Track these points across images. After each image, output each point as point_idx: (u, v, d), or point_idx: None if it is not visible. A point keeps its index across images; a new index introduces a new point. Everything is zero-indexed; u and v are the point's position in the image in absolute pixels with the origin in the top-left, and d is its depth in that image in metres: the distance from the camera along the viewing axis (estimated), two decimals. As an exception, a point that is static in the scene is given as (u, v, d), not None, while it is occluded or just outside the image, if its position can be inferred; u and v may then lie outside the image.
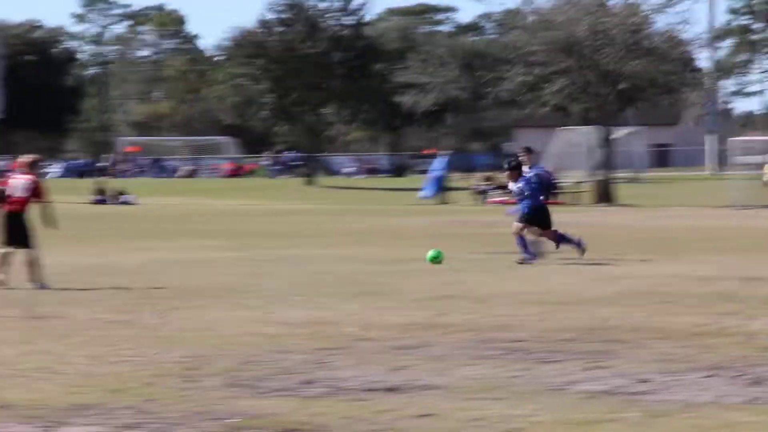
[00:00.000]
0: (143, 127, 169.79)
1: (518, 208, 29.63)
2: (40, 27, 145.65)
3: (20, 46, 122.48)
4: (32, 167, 24.51)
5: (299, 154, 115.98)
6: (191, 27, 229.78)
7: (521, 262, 28.01)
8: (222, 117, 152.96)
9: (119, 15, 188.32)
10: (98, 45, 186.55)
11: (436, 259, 27.79)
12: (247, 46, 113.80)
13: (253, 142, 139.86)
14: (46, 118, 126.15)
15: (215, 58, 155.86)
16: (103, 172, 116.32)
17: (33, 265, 23.63)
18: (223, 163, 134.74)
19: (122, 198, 70.49)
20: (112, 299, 21.43)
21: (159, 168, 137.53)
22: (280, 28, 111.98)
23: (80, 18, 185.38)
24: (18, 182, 23.87)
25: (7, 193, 23.65)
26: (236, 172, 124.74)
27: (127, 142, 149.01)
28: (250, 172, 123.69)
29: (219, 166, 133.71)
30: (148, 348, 15.84)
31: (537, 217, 28.93)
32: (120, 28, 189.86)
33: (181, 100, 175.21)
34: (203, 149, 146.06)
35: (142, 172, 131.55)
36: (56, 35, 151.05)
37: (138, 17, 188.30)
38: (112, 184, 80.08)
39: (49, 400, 12.56)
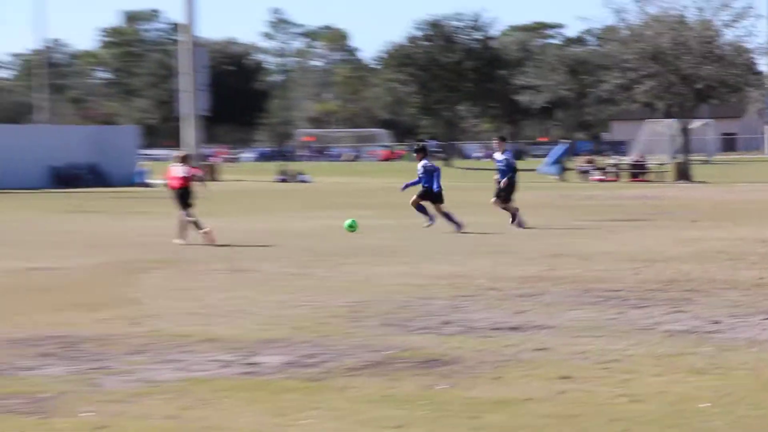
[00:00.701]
0: (316, 121, 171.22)
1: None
2: (236, 43, 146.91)
3: (221, 59, 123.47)
4: (185, 160, 25.90)
5: (439, 142, 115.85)
6: (354, 42, 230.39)
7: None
8: (378, 113, 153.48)
9: (298, 33, 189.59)
10: (281, 57, 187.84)
11: (352, 228, 26.85)
12: (398, 57, 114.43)
13: (403, 132, 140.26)
14: (240, 115, 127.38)
15: (373, 67, 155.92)
16: (285, 156, 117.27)
17: (182, 226, 24.78)
18: (378, 149, 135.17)
19: (300, 177, 70.81)
20: (293, 257, 21.58)
21: (328, 154, 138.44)
22: (425, 43, 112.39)
23: (268, 36, 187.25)
24: (178, 170, 25.25)
25: (171, 175, 25.55)
26: (389, 157, 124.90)
27: (304, 133, 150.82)
28: (400, 157, 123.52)
29: (375, 152, 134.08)
30: (321, 295, 15.95)
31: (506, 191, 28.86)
32: (298, 44, 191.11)
33: (345, 99, 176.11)
34: (363, 139, 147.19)
35: (315, 156, 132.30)
36: (249, 49, 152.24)
37: (312, 35, 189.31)
38: (292, 166, 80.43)
39: (246, 335, 12.72)
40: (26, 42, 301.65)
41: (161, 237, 25.54)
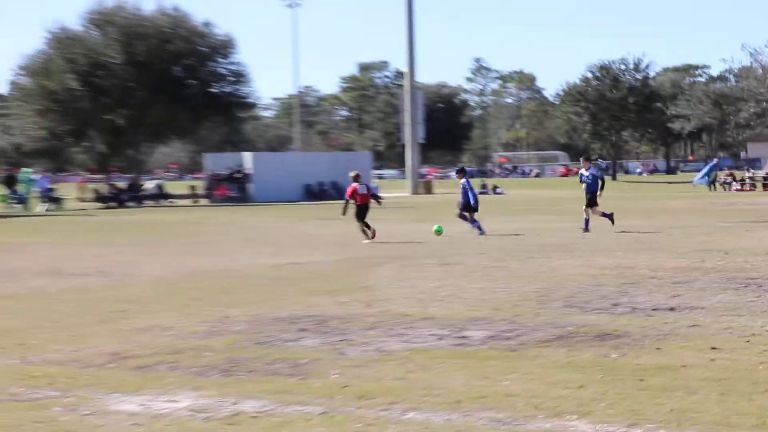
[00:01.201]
0: (508, 146, 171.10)
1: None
2: (446, 86, 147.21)
3: (434, 98, 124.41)
4: (357, 179, 26.21)
5: (606, 161, 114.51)
6: (539, 82, 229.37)
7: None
8: (558, 138, 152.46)
9: (494, 77, 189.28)
10: (481, 96, 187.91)
11: (439, 232, 26.21)
12: (574, 94, 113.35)
13: (577, 154, 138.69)
14: (449, 142, 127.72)
15: (554, 102, 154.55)
16: (484, 174, 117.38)
17: (364, 231, 25.66)
18: (558, 167, 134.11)
19: (497, 190, 70.61)
20: (490, 252, 21.51)
21: (519, 171, 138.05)
22: (595, 82, 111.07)
23: (470, 79, 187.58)
24: (362, 187, 26.02)
25: (359, 192, 25.99)
26: (567, 173, 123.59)
27: (499, 155, 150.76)
28: (576, 173, 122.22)
29: (555, 169, 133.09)
30: (514, 283, 15.85)
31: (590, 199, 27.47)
32: (495, 85, 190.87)
33: (532, 128, 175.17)
34: (546, 159, 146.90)
35: (508, 173, 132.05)
36: (456, 91, 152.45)
37: (506, 78, 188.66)
38: (490, 181, 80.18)
39: (456, 314, 12.70)
40: (285, 88, 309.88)
41: (388, 239, 25.74)
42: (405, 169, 79.24)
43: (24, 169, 55.86)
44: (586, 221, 27.14)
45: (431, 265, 19.11)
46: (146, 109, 60.72)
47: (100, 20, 61.63)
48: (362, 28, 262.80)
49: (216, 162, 60.29)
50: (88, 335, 11.82)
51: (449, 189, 76.85)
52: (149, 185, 62.81)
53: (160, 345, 11.00)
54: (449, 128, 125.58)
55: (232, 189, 57.40)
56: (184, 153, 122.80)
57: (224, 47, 63.42)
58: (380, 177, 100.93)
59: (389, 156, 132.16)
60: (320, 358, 10.08)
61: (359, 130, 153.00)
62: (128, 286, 16.81)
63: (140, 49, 59.68)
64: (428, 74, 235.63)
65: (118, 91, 59.45)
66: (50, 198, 51.55)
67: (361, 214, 25.63)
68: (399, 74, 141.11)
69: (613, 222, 27.58)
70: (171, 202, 57.69)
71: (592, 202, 27.47)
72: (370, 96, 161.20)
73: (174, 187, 70.74)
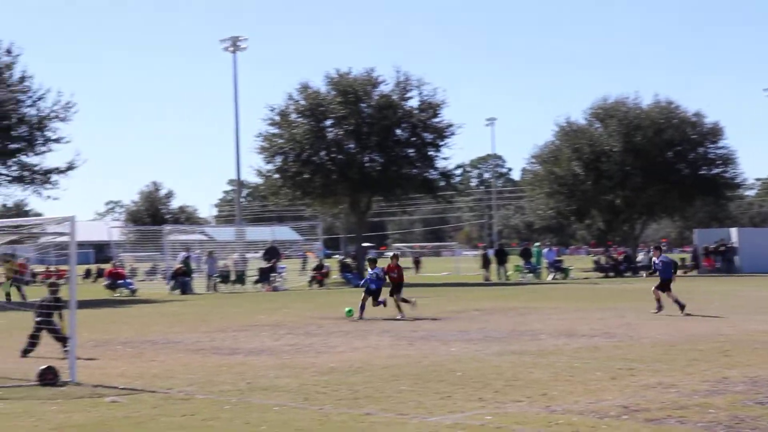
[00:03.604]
0: None
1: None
2: None
3: None
4: (396, 258, 24.84)
5: None
6: None
7: None
8: None
9: None
10: None
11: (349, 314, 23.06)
12: None
13: None
14: None
15: None
16: None
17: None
18: None
19: None
20: None
21: None
22: None
23: None
24: None
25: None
26: None
27: None
28: None
29: None
30: None
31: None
32: None
33: None
34: None
35: None
36: None
37: None
38: None
39: None
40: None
41: None
42: None
43: (535, 244, 57.78)
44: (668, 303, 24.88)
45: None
46: (641, 191, 61.29)
47: (602, 114, 63.20)
48: None
49: (703, 237, 59.02)
50: (600, 389, 11.94)
51: None
52: (642, 257, 62.38)
53: (666, 401, 10.86)
54: None
55: (718, 261, 55.71)
56: (673, 228, 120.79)
57: (713, 134, 62.42)
58: None
59: None
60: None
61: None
62: (632, 346, 16.76)
63: (637, 138, 60.37)
64: None
65: (617, 175, 60.51)
66: (557, 268, 52.80)
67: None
68: None
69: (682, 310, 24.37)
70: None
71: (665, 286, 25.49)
72: None
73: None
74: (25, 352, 16.68)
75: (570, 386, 12.23)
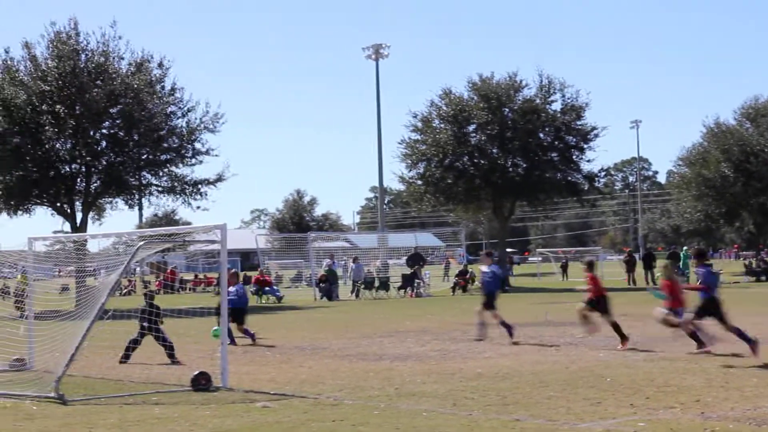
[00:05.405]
0: None
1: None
2: None
3: None
4: (590, 267, 19.03)
5: None
6: None
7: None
8: None
9: None
10: None
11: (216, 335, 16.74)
12: None
13: None
14: None
15: None
16: None
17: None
18: None
19: None
20: None
21: None
22: None
23: None
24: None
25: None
26: None
27: None
28: None
29: None
30: None
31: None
32: None
33: None
34: None
35: None
36: None
37: None
38: None
39: None
40: None
41: None
42: None
43: (684, 248, 56.36)
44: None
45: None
46: (793, 192, 59.18)
47: (753, 113, 61.30)
48: None
49: None
50: (757, 396, 11.60)
51: None
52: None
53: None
54: None
55: None
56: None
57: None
58: None
59: None
60: None
61: None
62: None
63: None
64: None
65: (768, 176, 58.61)
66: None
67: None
68: None
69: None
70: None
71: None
72: None
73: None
74: (126, 357, 17.14)
75: (725, 392, 11.87)
